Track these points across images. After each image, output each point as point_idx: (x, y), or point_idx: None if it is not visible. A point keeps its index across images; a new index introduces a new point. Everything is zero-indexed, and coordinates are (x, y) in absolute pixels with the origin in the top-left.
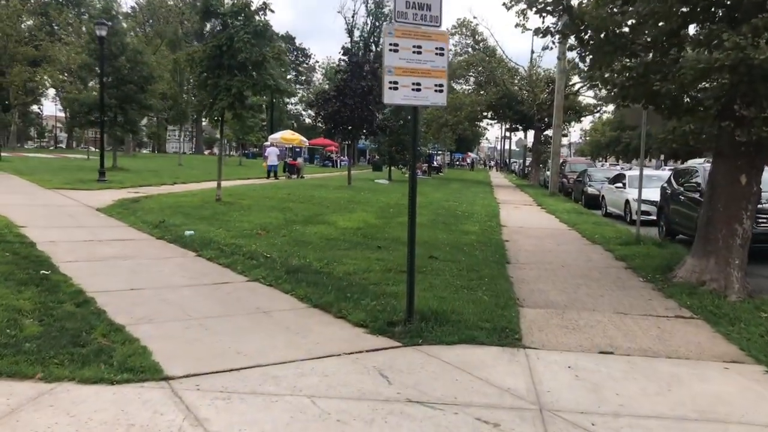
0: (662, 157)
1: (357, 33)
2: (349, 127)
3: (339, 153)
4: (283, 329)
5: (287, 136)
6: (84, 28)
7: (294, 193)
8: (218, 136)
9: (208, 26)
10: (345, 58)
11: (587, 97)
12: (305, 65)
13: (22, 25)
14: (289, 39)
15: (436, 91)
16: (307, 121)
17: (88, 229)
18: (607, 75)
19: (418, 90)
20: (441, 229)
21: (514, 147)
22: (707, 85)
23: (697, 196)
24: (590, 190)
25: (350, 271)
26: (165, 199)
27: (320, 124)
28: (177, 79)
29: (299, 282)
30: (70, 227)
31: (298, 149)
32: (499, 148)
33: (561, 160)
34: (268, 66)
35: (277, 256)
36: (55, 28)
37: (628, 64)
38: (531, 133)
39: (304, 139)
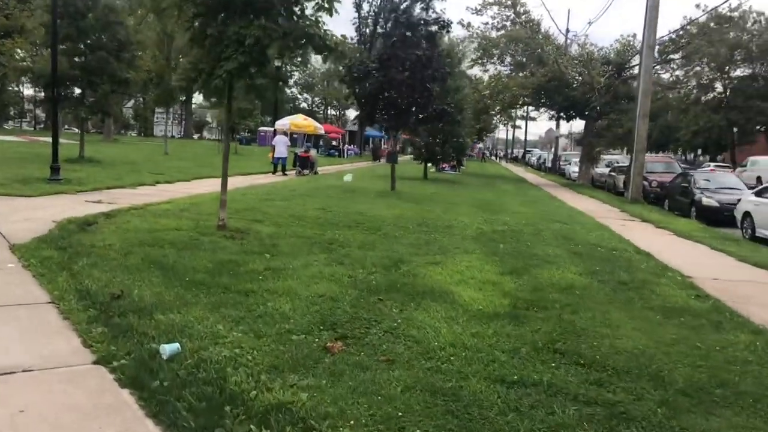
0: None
1: (366, 7)
2: (393, 112)
3: (342, 141)
4: None
5: (299, 122)
6: None
7: (329, 206)
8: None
9: None
10: (392, 14)
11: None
12: None
13: None
14: None
15: None
16: (303, 105)
17: None
18: None
19: None
20: (628, 303)
21: (536, 137)
22: None
23: None
24: (707, 201)
25: None
26: (137, 221)
27: (329, 108)
28: (163, 52)
29: None
30: None
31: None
32: (504, 137)
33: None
34: (307, 5)
35: None
36: None
37: None
38: (565, 124)
39: (319, 126)
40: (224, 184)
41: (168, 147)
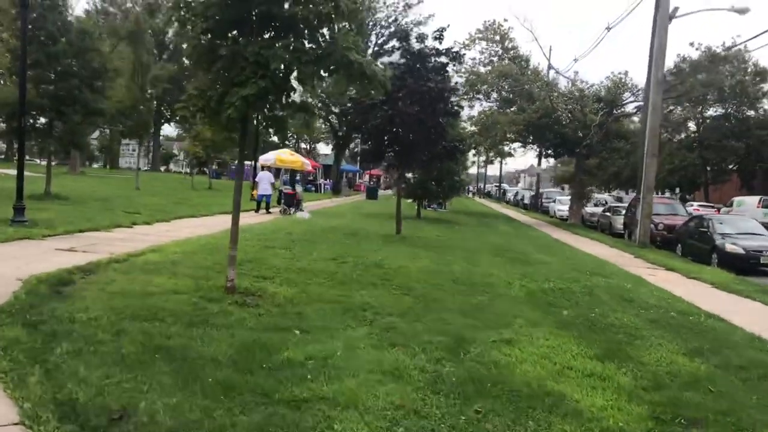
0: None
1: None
2: (400, 149)
3: (317, 175)
4: None
5: (285, 157)
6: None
7: (339, 255)
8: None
9: None
10: (398, 44)
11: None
12: None
13: None
14: None
15: None
16: (274, 139)
17: None
18: None
19: None
20: None
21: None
22: None
23: None
24: (732, 247)
25: None
26: (123, 280)
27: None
28: (137, 81)
29: None
30: None
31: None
32: (474, 172)
33: (633, 198)
34: (344, 23)
35: None
36: None
37: None
38: (533, 160)
39: (306, 161)
40: (234, 236)
41: (139, 181)
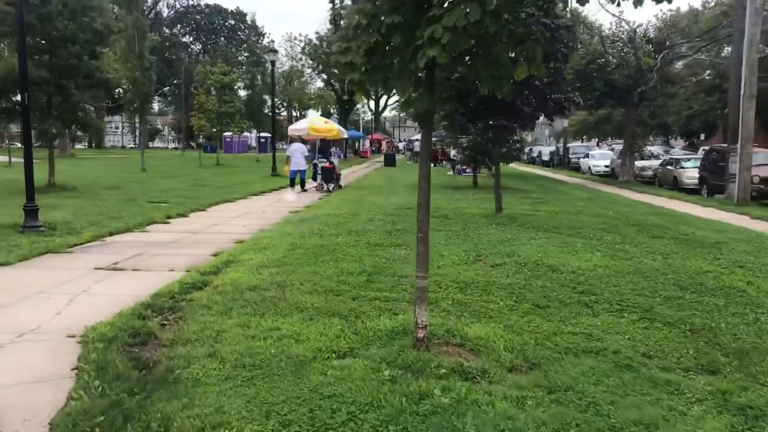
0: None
1: None
2: (503, 108)
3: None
4: None
5: (318, 125)
6: None
7: (477, 253)
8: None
9: None
10: None
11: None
12: (259, 44)
13: None
14: (240, 15)
15: None
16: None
17: None
18: None
19: None
20: None
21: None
22: None
23: None
24: None
25: None
26: (231, 331)
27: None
28: (135, 49)
29: None
30: None
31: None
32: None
33: (708, 148)
34: None
35: None
36: None
37: None
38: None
39: (343, 129)
40: (425, 258)
41: (144, 162)
